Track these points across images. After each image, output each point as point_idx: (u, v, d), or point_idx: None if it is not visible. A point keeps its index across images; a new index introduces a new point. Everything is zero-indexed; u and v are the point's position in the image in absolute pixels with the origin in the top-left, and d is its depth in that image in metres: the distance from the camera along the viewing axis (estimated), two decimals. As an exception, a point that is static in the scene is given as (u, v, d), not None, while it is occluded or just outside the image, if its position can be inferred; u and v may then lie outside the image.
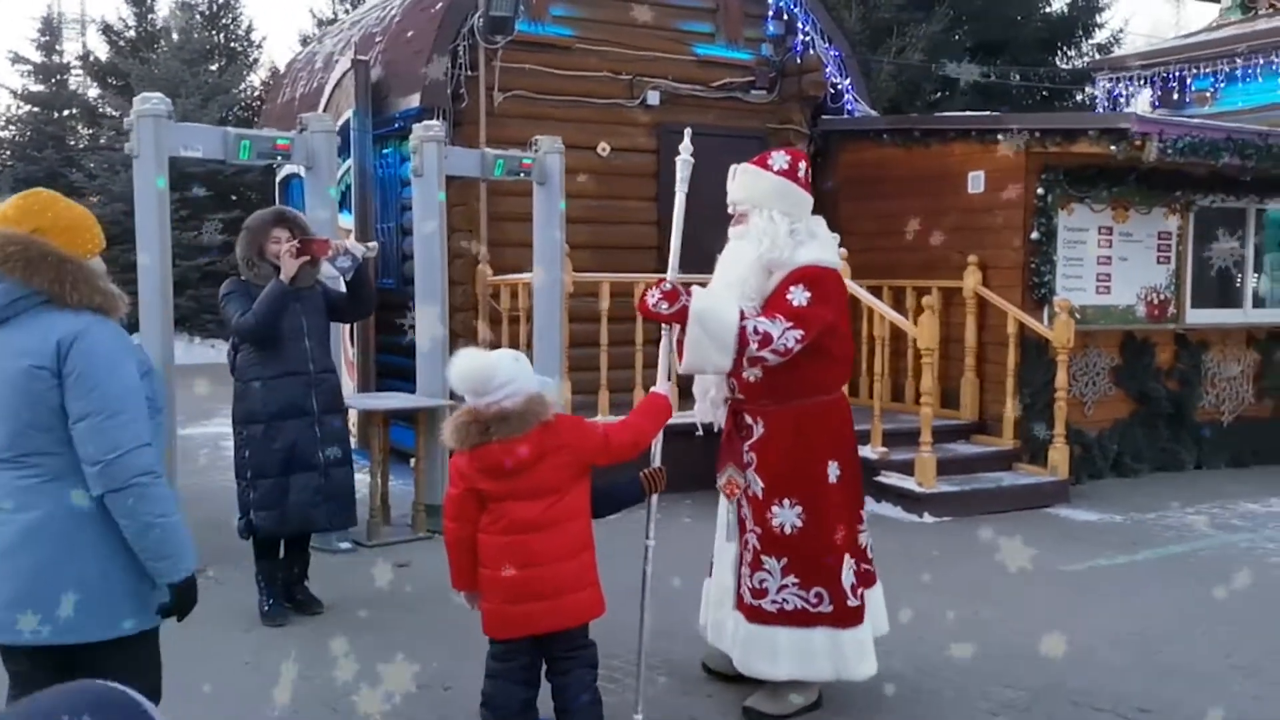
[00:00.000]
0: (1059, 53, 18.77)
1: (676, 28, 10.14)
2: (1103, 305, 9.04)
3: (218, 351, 15.92)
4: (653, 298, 3.96)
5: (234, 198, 19.98)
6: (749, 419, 4.25)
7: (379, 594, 5.58)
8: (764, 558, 4.22)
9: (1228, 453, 9.68)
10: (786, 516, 4.19)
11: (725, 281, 4.20)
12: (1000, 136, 8.70)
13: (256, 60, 23.74)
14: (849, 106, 10.48)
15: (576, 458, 3.60)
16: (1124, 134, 7.80)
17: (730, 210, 4.36)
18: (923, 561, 6.47)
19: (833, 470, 4.23)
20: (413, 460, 7.38)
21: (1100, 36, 18.84)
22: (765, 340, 3.96)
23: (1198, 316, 9.53)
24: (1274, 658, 4.94)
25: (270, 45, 54.82)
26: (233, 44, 23.40)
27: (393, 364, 9.03)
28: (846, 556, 4.22)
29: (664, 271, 4.19)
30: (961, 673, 4.66)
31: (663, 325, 4.08)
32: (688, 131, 4.13)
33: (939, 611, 5.37)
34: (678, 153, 4.16)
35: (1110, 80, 14.69)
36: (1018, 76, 17.15)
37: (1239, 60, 13.12)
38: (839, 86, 10.41)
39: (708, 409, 4.39)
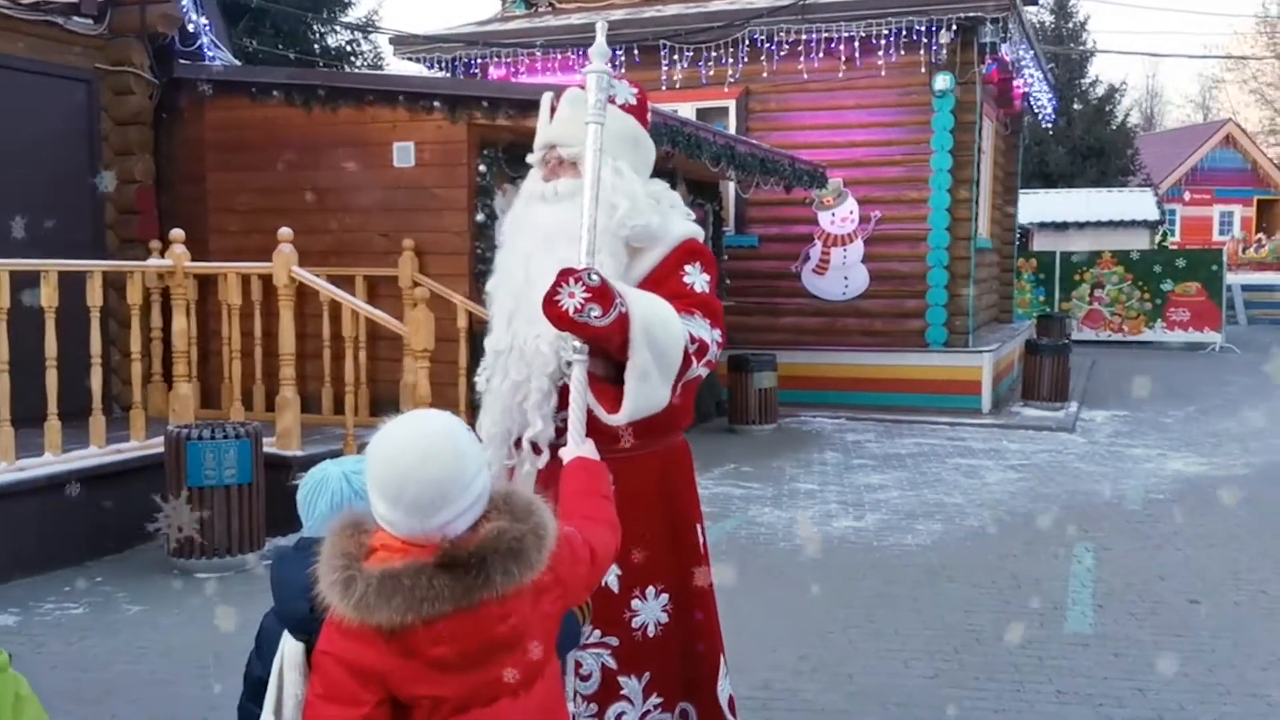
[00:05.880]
0: (314, 27, 17.81)
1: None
2: (529, 294, 8.44)
3: None
4: (573, 298, 2.34)
5: None
6: None
7: None
8: (622, 680, 2.84)
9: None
10: (651, 611, 2.86)
11: (558, 260, 2.65)
12: (437, 104, 7.61)
13: None
14: (207, 52, 8.44)
15: (566, 600, 1.95)
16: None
17: (544, 156, 2.86)
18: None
19: (700, 536, 3.01)
20: None
21: (353, 15, 18.30)
22: (702, 350, 2.65)
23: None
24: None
25: None
26: None
27: None
28: (723, 660, 3.03)
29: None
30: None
31: (574, 344, 2.46)
32: (601, 24, 2.53)
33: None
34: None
35: (404, 59, 14.17)
36: (283, 47, 15.88)
37: (538, 53, 13.47)
38: (195, 26, 8.32)
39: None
